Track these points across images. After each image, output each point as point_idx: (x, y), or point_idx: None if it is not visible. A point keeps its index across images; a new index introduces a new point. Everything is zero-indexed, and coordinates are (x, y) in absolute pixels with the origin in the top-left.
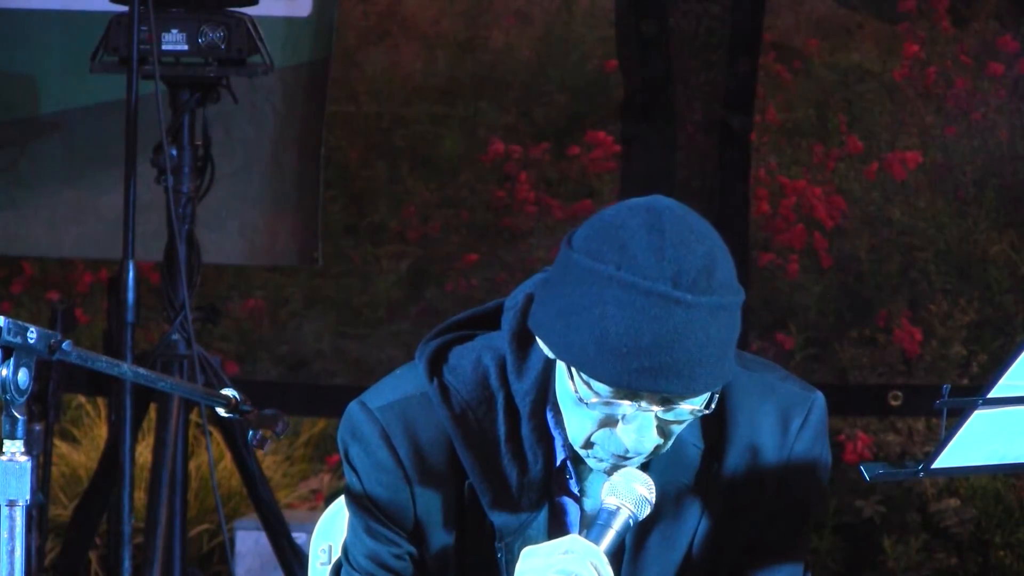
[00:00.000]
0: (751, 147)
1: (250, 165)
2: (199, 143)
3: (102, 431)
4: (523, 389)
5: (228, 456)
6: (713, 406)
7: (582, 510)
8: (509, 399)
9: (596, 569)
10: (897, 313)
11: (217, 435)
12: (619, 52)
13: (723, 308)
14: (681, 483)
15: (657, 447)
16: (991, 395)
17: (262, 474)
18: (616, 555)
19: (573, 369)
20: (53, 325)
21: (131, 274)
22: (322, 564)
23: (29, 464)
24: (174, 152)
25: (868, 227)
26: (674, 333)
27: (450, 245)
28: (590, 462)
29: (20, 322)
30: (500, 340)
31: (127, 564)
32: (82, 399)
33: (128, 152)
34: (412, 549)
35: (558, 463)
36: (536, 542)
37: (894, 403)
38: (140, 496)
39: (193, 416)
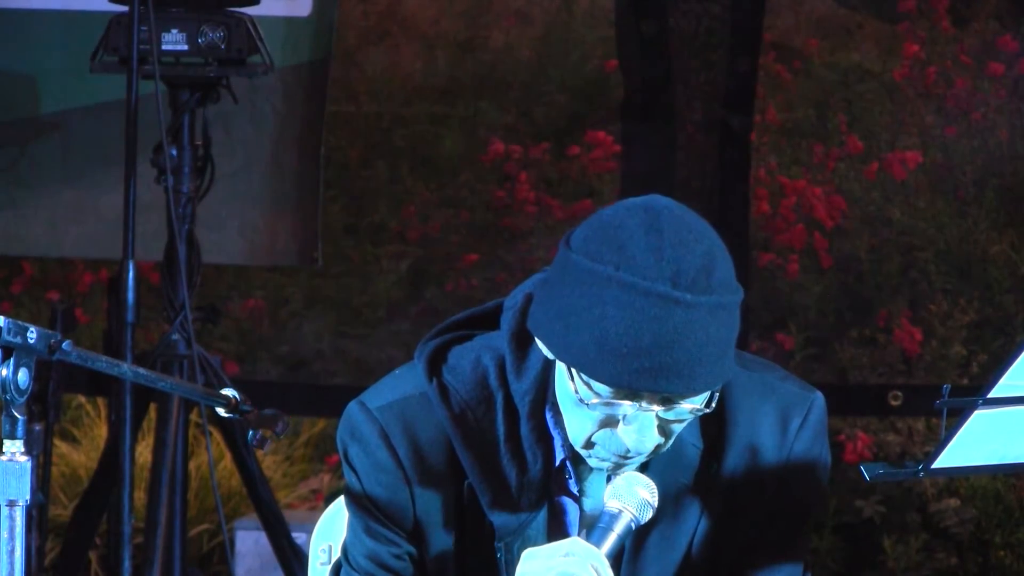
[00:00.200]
0: (751, 147)
1: (250, 165)
2: (199, 143)
3: (102, 431)
4: (522, 389)
5: (228, 456)
6: (714, 405)
7: (581, 510)
8: (508, 399)
9: (597, 571)
10: (897, 313)
11: (217, 435)
12: (619, 52)
13: (722, 307)
14: (680, 483)
15: (657, 446)
16: (991, 395)
17: (262, 474)
18: (615, 555)
19: (573, 370)
20: (53, 325)
21: (131, 274)
22: (322, 564)
23: (29, 464)
24: (174, 152)
25: (868, 227)
26: (674, 333)
27: (450, 245)
28: (591, 462)
29: (20, 322)
30: (499, 340)
31: (127, 564)
32: (82, 399)
33: (128, 152)
34: (412, 549)
35: (557, 463)
36: (535, 542)
37: (894, 403)
38: (140, 496)
39: (193, 416)
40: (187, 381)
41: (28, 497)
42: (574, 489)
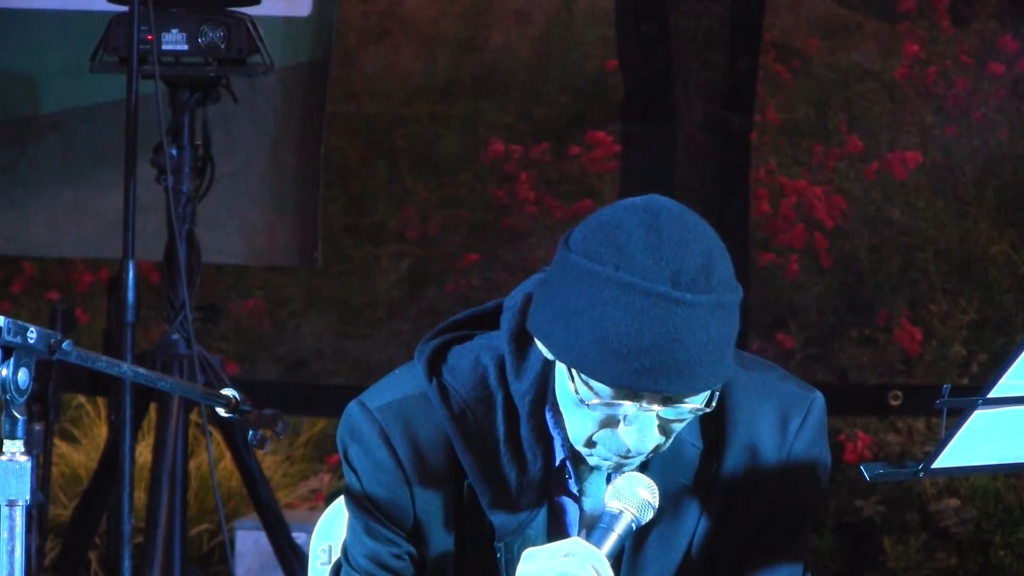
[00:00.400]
0: (751, 147)
1: (250, 165)
2: (199, 143)
3: (102, 431)
4: (522, 389)
5: (228, 456)
6: (714, 404)
7: (581, 510)
8: (508, 399)
9: (597, 572)
10: (897, 313)
11: (217, 435)
12: (619, 52)
13: (722, 306)
14: (680, 483)
15: (657, 446)
16: (991, 395)
17: (262, 474)
18: (615, 555)
19: (573, 370)
20: (53, 325)
21: (131, 274)
22: (322, 564)
23: (29, 464)
24: (174, 152)
25: (868, 227)
26: (674, 332)
27: (450, 245)
28: (591, 461)
29: (20, 322)
30: (499, 340)
31: (127, 564)
32: (82, 399)
33: (128, 152)
34: (411, 549)
35: (557, 463)
36: (535, 542)
37: (894, 403)
38: (140, 496)
39: (193, 416)
40: (187, 381)
41: (28, 497)
42: (574, 489)
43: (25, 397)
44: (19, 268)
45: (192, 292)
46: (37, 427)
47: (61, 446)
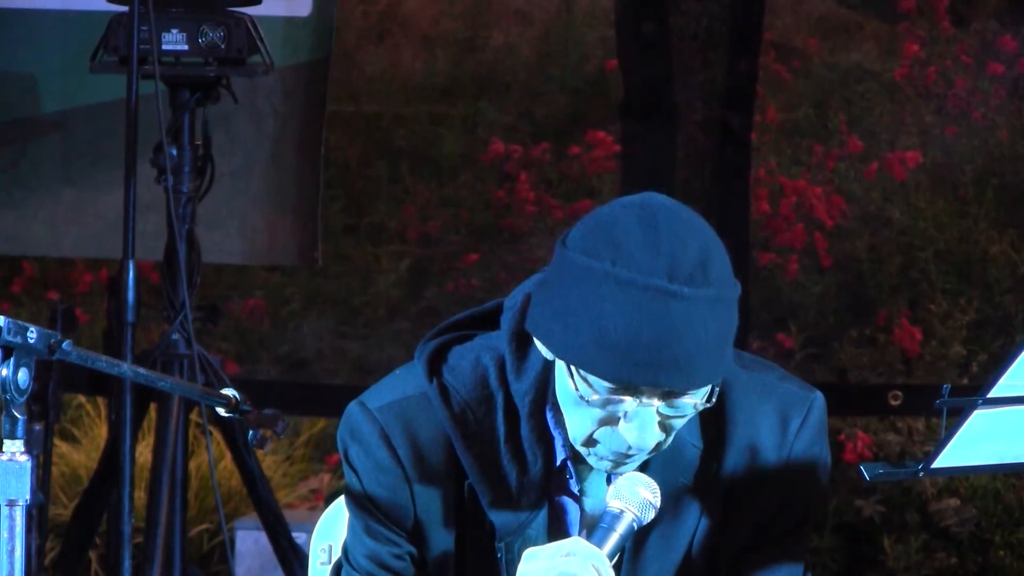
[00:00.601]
0: (751, 147)
1: (250, 165)
2: (199, 143)
3: (102, 431)
4: (522, 389)
5: (228, 456)
6: (714, 399)
7: (582, 510)
8: (508, 399)
9: (598, 571)
10: (897, 313)
11: (217, 435)
12: (619, 52)
13: (720, 301)
14: (680, 483)
15: (658, 444)
16: (991, 395)
17: (262, 474)
18: (616, 555)
19: (573, 368)
20: (53, 325)
21: (131, 274)
22: (322, 564)
23: (29, 464)
24: (174, 152)
25: (868, 227)
26: (673, 327)
27: (450, 245)
28: (592, 460)
29: (20, 322)
30: (499, 340)
31: (127, 564)
32: (82, 399)
33: (128, 152)
34: (412, 549)
35: (558, 463)
36: (536, 542)
37: (894, 403)
38: (140, 496)
39: (193, 416)
40: (187, 381)
41: (28, 497)
42: (575, 489)
43: (25, 397)
44: (19, 268)
45: (192, 292)
46: (37, 427)
47: (61, 446)
